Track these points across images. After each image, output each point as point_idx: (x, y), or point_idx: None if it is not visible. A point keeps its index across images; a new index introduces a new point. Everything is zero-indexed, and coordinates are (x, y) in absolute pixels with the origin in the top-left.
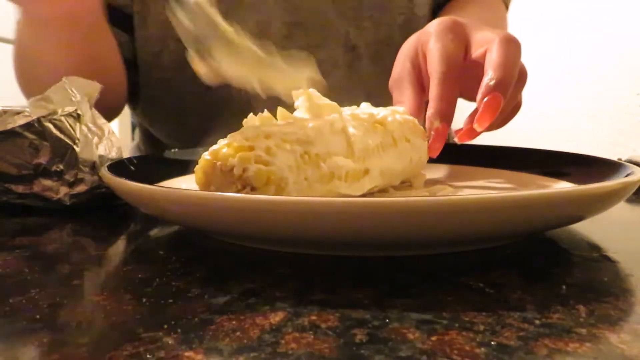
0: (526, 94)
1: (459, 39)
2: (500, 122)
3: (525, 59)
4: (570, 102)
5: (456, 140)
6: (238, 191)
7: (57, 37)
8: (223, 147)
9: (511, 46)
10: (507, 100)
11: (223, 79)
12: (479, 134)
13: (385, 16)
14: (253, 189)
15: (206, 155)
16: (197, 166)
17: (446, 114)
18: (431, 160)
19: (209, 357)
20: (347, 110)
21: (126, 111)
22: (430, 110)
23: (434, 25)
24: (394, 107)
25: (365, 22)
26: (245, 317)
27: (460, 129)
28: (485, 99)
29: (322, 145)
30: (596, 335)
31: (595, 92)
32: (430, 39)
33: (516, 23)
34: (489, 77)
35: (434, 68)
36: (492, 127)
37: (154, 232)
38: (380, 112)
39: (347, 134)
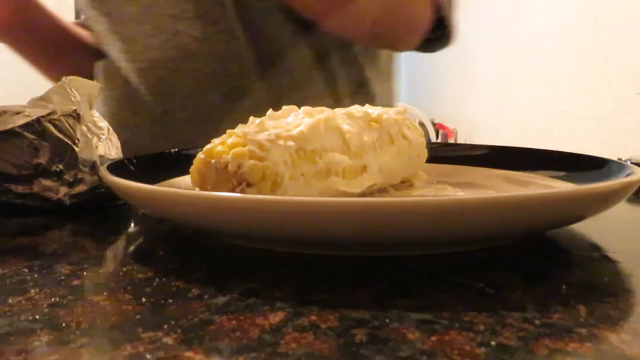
0: (527, 94)
1: None
2: None
3: (526, 59)
4: (570, 102)
5: None
6: (234, 188)
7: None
8: (216, 145)
9: None
10: None
11: None
12: None
13: None
14: (249, 186)
15: (200, 155)
16: (192, 166)
17: None
18: (431, 160)
19: (209, 357)
20: (341, 110)
21: None
22: None
23: None
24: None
25: None
26: (245, 317)
27: None
28: None
29: (317, 142)
30: (596, 335)
31: (596, 92)
32: None
33: (517, 24)
34: None
35: None
36: None
37: (154, 232)
38: (375, 110)
39: (342, 131)
